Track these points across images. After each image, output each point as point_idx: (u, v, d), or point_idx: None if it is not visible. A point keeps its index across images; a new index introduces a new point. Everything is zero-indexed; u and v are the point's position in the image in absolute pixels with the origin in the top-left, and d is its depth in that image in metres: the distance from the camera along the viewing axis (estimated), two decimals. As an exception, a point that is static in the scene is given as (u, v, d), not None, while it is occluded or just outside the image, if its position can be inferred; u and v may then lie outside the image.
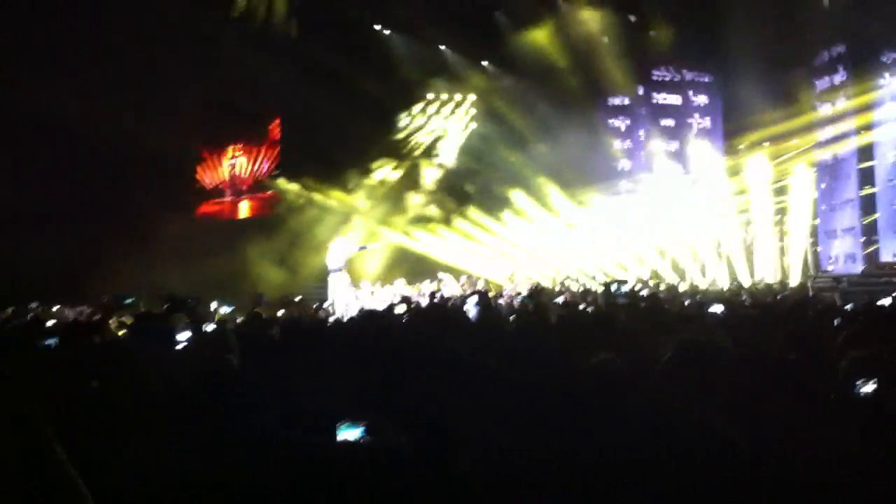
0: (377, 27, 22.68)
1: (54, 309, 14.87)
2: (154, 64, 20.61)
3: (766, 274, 20.67)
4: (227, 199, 25.30)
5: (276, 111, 23.84)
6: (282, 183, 23.20)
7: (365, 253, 19.66)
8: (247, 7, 22.69)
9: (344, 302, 16.66)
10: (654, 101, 23.58)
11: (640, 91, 23.41)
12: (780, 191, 21.12)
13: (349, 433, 3.31)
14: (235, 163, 25.11)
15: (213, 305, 14.06)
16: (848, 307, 8.67)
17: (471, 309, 8.83)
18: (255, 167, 24.75)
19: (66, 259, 19.54)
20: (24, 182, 19.11)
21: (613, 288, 12.55)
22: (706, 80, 23.53)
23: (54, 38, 19.16)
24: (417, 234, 22.12)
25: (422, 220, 22.42)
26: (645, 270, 21.14)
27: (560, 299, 12.39)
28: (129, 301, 14.24)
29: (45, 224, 20.52)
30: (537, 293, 12.70)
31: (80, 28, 19.58)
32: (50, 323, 12.04)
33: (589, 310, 10.15)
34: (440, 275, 19.05)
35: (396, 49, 22.47)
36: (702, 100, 23.52)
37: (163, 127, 20.56)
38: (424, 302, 12.42)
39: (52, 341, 7.09)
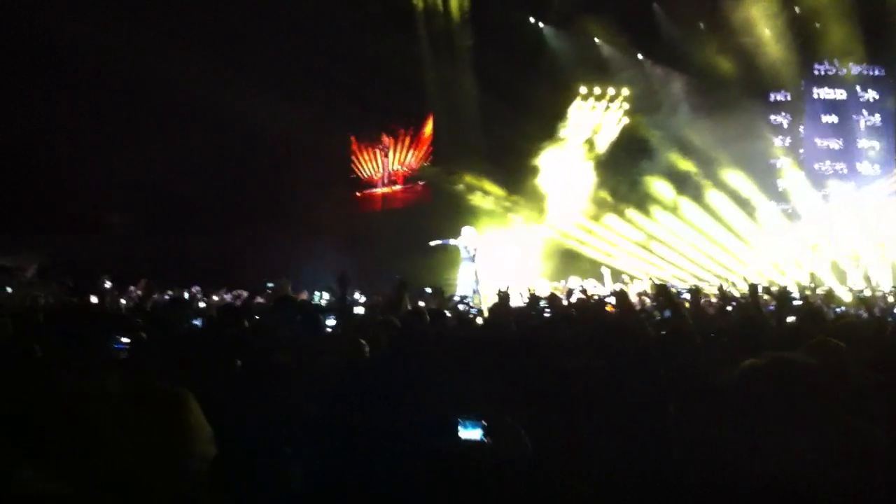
0: (531, 20, 22.66)
1: (215, 298, 15.45)
2: (310, 56, 21.24)
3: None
4: (380, 189, 25.86)
5: (429, 107, 24.12)
6: (434, 174, 23.54)
7: (518, 246, 19.77)
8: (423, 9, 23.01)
9: (469, 293, 16.62)
10: (816, 96, 22.62)
11: (803, 86, 22.53)
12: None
13: (470, 433, 3.33)
14: (388, 155, 25.59)
15: (357, 294, 14.34)
16: None
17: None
18: (408, 160, 25.16)
19: (226, 246, 20.47)
20: (186, 172, 20.02)
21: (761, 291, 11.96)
22: (877, 73, 22.33)
23: (217, 34, 19.96)
24: (570, 230, 22.06)
25: (576, 215, 22.28)
26: (803, 274, 20.33)
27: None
28: (270, 285, 14.72)
29: (208, 213, 21.52)
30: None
31: (245, 23, 20.36)
32: (202, 305, 12.72)
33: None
34: (603, 270, 18.61)
35: (551, 43, 22.41)
36: (872, 95, 22.34)
37: (319, 118, 21.19)
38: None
39: (198, 322, 7.44)
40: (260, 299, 13.19)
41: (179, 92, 19.26)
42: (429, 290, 13.18)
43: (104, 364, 4.31)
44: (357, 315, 8.90)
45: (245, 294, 15.05)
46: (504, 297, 9.74)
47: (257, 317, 7.54)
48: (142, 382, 2.65)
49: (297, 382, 4.56)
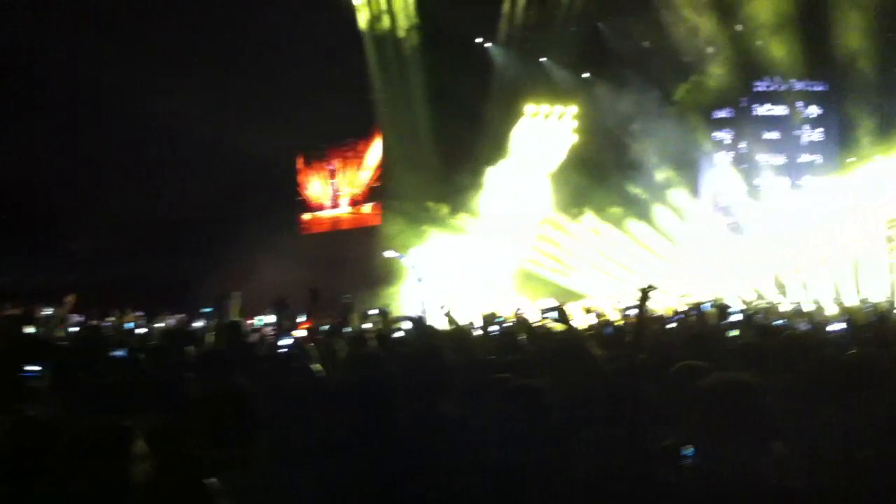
0: (479, 40, 22.79)
1: (157, 325, 15.14)
2: (258, 73, 21.17)
3: (874, 293, 19.82)
4: (328, 212, 25.80)
5: (377, 126, 24.13)
6: (382, 194, 23.53)
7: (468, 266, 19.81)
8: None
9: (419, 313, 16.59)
10: (756, 112, 23.07)
11: (744, 103, 22.93)
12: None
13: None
14: (335, 177, 25.53)
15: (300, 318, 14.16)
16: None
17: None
18: (356, 182, 25.10)
19: (172, 270, 20.21)
20: (142, 197, 19.80)
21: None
22: (819, 89, 22.73)
23: (169, 50, 19.77)
24: (521, 248, 22.16)
25: (527, 234, 22.36)
26: (746, 288, 20.52)
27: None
28: (206, 311, 14.45)
29: (155, 236, 21.27)
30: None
31: (195, 42, 20.15)
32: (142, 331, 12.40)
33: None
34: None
35: (498, 62, 22.55)
36: (813, 111, 22.76)
37: (268, 137, 21.04)
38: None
39: (120, 353, 7.28)
40: (198, 324, 12.90)
41: (131, 113, 19.10)
42: (372, 311, 13.10)
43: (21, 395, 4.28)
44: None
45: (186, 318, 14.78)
46: (419, 321, 9.64)
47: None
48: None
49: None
